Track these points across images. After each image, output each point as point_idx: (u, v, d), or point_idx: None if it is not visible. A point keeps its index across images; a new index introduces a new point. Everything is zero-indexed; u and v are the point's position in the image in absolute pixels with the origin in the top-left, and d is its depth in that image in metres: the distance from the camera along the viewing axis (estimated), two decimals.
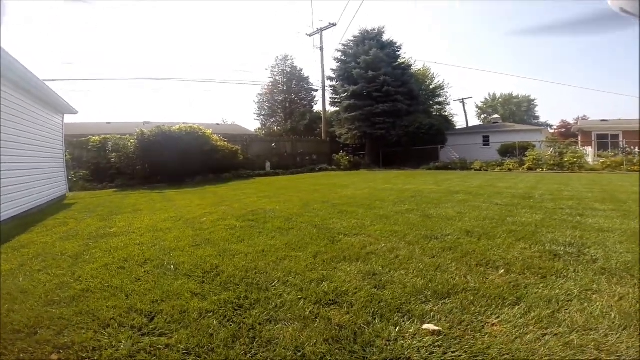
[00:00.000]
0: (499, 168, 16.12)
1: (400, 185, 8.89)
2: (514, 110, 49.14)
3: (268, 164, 17.90)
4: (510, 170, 15.51)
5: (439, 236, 3.28)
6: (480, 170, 16.10)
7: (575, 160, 14.90)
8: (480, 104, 52.59)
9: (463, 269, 2.46)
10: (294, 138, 22.25)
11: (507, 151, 18.48)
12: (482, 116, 51.76)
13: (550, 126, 42.22)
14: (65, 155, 11.55)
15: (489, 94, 53.05)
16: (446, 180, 10.04)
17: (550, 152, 16.18)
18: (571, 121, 39.12)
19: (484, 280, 2.27)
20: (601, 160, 15.33)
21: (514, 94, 50.96)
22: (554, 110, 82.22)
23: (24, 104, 6.54)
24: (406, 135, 19.90)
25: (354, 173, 16.70)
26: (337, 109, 23.49)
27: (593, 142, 20.59)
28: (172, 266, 2.64)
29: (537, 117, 49.81)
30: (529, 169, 15.30)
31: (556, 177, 11.04)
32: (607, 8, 1.19)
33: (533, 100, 50.38)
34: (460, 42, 68.35)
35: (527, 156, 16.20)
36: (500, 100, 51.89)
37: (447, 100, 31.51)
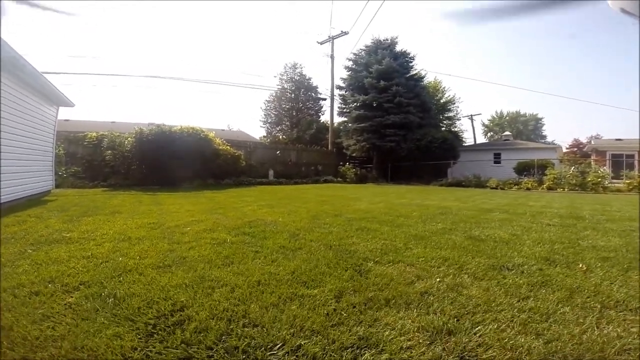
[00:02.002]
0: (516, 187, 15.16)
1: (418, 200, 7.91)
2: (521, 129, 48.32)
3: (271, 172, 17.05)
4: (529, 189, 14.51)
5: (509, 266, 2.30)
6: (497, 188, 15.10)
7: (599, 180, 13.97)
8: (487, 122, 51.88)
9: (586, 315, 1.51)
10: (300, 147, 21.44)
11: (523, 169, 17.53)
12: (489, 134, 50.95)
13: (556, 145, 41.34)
14: (59, 150, 10.77)
15: (496, 112, 52.45)
16: (468, 197, 9.04)
17: (572, 171, 15.21)
18: (584, 140, 38.15)
19: (630, 331, 1.36)
20: (627, 181, 14.44)
21: (522, 112, 50.34)
22: (559, 127, 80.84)
23: (12, 91, 5.89)
24: (417, 149, 18.94)
25: (361, 186, 15.70)
26: (345, 119, 22.73)
27: (607, 162, 19.70)
28: (112, 299, 1.68)
29: (544, 137, 48.95)
30: (549, 188, 14.35)
31: (586, 197, 10.02)
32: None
33: (540, 119, 49.66)
34: (470, 54, 68.14)
35: (546, 175, 15.27)
36: (507, 118, 51.16)
37: (457, 116, 30.80)
